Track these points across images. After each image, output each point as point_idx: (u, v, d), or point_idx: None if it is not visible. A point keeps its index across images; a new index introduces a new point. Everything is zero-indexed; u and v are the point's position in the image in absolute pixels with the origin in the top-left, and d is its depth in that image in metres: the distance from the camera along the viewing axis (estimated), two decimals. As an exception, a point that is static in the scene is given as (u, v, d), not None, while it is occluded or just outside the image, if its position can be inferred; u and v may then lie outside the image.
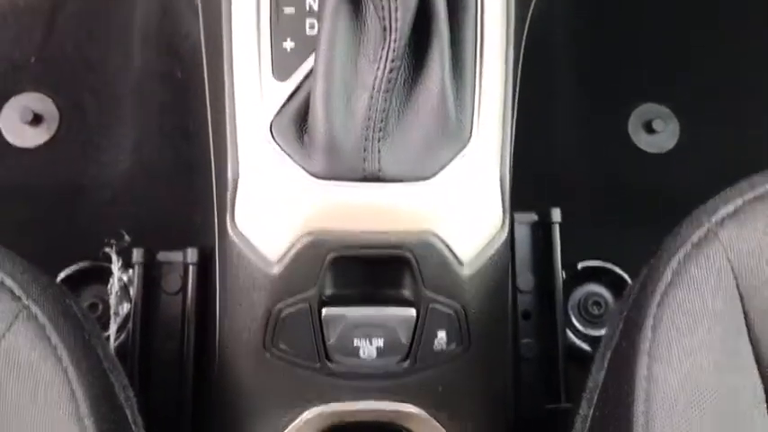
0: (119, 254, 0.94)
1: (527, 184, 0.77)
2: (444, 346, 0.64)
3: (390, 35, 0.57)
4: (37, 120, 1.03)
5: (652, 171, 1.10)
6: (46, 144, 1.04)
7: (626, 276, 1.01)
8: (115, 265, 0.93)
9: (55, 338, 0.55)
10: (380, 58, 0.58)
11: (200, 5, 0.80)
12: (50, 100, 1.04)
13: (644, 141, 1.11)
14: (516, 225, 0.92)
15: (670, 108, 1.11)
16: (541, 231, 0.95)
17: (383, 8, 0.56)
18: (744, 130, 1.09)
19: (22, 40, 1.04)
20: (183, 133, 0.99)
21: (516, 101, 0.71)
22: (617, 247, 1.02)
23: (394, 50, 0.58)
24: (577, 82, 1.09)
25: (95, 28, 1.04)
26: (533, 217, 0.95)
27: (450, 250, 0.62)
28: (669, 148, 1.11)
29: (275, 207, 0.62)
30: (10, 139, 1.04)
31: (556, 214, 0.94)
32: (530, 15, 0.76)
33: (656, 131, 1.10)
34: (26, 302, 0.55)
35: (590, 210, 1.04)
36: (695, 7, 1.10)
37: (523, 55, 0.77)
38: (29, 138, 1.04)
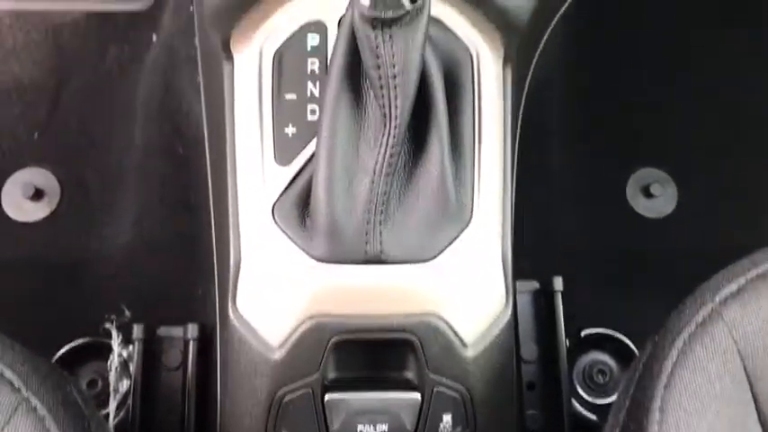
0: (119, 329, 0.94)
1: (527, 252, 0.77)
2: (450, 430, 0.64)
3: (390, 122, 0.58)
4: (38, 194, 1.04)
5: (652, 236, 1.10)
6: (47, 218, 1.04)
7: (630, 343, 1.00)
8: (115, 342, 0.93)
9: (54, 430, 0.54)
10: (381, 143, 0.59)
11: (202, 85, 0.81)
12: (52, 175, 1.05)
13: (642, 206, 1.12)
14: (518, 294, 0.92)
15: (667, 172, 1.12)
16: (544, 300, 0.95)
17: (383, 96, 0.57)
18: (742, 194, 1.10)
19: (26, 116, 1.06)
20: (184, 207, 1.00)
21: (515, 175, 0.72)
22: (620, 314, 1.02)
23: (394, 136, 0.58)
24: (575, 149, 1.10)
25: (99, 104, 1.06)
26: (535, 285, 0.95)
27: (454, 332, 0.62)
28: (668, 212, 1.11)
29: (277, 291, 0.62)
30: (11, 213, 1.04)
31: (558, 283, 0.94)
32: (525, 94, 0.77)
33: (655, 196, 1.11)
34: (26, 394, 0.55)
35: (591, 276, 1.04)
36: (690, 69, 1.12)
37: (520, 126, 0.78)
38: (30, 212, 1.04)
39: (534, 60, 0.80)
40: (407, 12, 0.54)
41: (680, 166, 1.11)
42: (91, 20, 1.09)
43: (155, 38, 1.07)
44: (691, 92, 1.10)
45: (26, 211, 1.04)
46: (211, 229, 0.76)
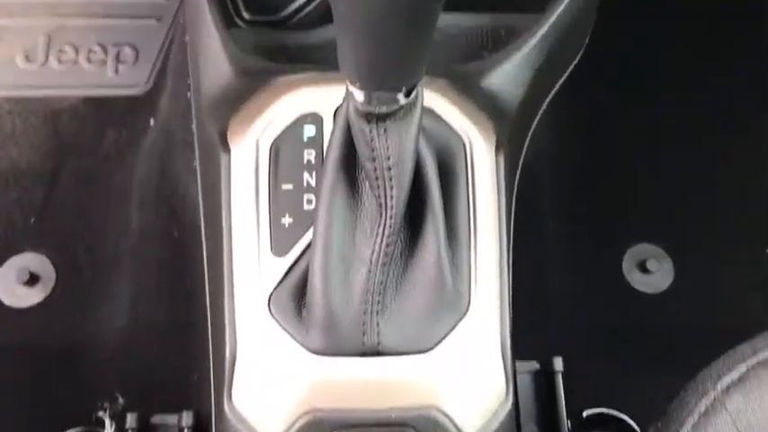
0: (112, 418, 0.92)
1: (525, 332, 0.77)
2: None
3: (386, 212, 0.59)
4: (33, 279, 1.03)
5: (650, 312, 1.10)
6: (41, 303, 1.03)
7: (632, 423, 0.99)
8: (108, 431, 0.91)
9: None
10: (377, 233, 0.59)
11: (198, 173, 0.82)
12: (48, 259, 1.04)
13: (639, 281, 1.11)
14: (518, 375, 0.91)
15: (663, 247, 1.12)
16: (544, 379, 0.94)
17: (378, 187, 0.58)
18: (738, 268, 1.10)
19: (22, 200, 1.06)
20: (180, 291, 0.99)
21: (511, 260, 0.72)
22: (621, 393, 1.00)
23: (390, 226, 0.59)
24: (569, 227, 1.10)
25: (95, 188, 1.06)
26: (535, 366, 0.94)
27: (455, 425, 0.61)
28: (664, 287, 1.11)
29: (273, 384, 0.62)
30: (5, 299, 1.03)
31: (558, 363, 0.93)
32: (517, 178, 0.78)
33: (651, 271, 1.11)
34: None
35: (589, 355, 1.03)
36: (686, 145, 1.14)
37: (514, 207, 0.79)
38: (24, 298, 1.03)
39: (525, 145, 0.81)
40: (401, 106, 0.56)
41: (675, 241, 1.12)
42: (89, 105, 1.11)
43: (152, 122, 1.08)
44: (684, 166, 1.11)
45: (20, 297, 1.03)
46: (207, 314, 0.75)
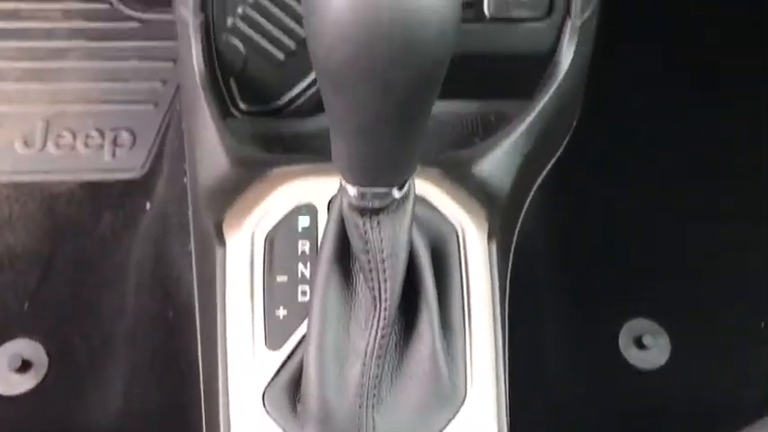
0: None
1: (524, 410, 0.76)
2: None
3: (380, 304, 0.59)
4: (25, 366, 1.02)
5: (647, 388, 1.09)
6: (33, 390, 1.02)
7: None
8: None
9: None
10: (371, 325, 0.60)
11: (194, 261, 0.82)
12: (41, 345, 1.03)
13: (635, 357, 1.11)
14: None
15: (659, 323, 1.12)
16: None
17: (372, 279, 0.58)
18: (735, 343, 1.10)
19: (17, 285, 1.06)
20: (175, 373, 0.98)
21: (507, 347, 0.72)
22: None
23: (384, 318, 0.59)
24: (565, 303, 1.11)
25: (91, 271, 1.06)
26: None
27: None
28: (661, 363, 1.11)
29: (269, 481, 0.61)
30: (-4, 387, 1.02)
31: None
32: (510, 261, 0.79)
33: (647, 347, 1.10)
34: None
35: (587, 430, 1.02)
36: (681, 219, 1.15)
37: (508, 283, 0.79)
38: (16, 385, 1.02)
39: (517, 228, 0.82)
40: (394, 200, 0.57)
41: (671, 315, 1.12)
42: (86, 189, 1.12)
43: (148, 205, 1.10)
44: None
45: (12, 384, 1.02)
46: (201, 396, 0.74)
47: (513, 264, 0.81)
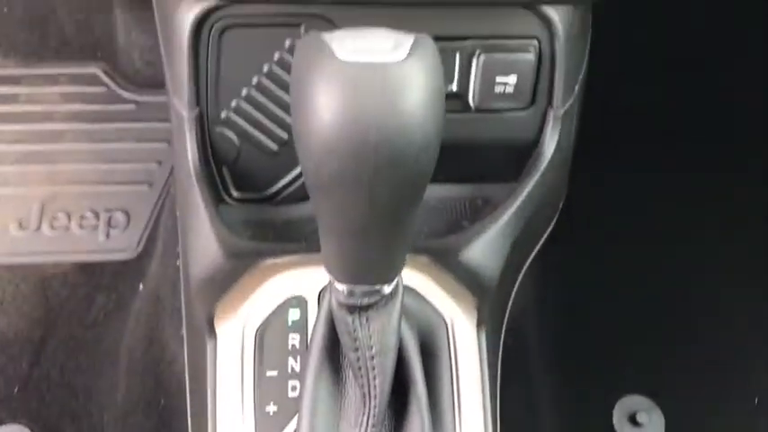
0: None
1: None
2: None
3: (370, 401, 0.59)
4: (14, 453, 1.01)
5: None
6: (20, 479, 1.01)
7: None
8: None
9: None
10: (361, 422, 0.59)
11: (185, 346, 0.82)
12: (29, 431, 1.02)
13: (630, 435, 1.10)
14: None
15: (653, 399, 1.11)
16: None
17: (362, 376, 0.59)
18: (728, 420, 1.09)
19: (7, 369, 1.06)
20: None
21: (499, 428, 0.72)
22: None
23: (374, 416, 0.59)
24: (558, 382, 1.10)
25: (82, 355, 1.06)
26: None
27: None
28: (656, 440, 1.10)
29: None
30: (-18, 476, 1.01)
31: None
32: (501, 344, 0.79)
33: (641, 424, 1.10)
34: None
35: None
36: (673, 296, 1.16)
37: (500, 362, 0.79)
38: (3, 473, 1.01)
39: (507, 313, 0.83)
40: (383, 296, 0.57)
41: (665, 392, 1.11)
42: (79, 271, 1.13)
43: (141, 287, 1.10)
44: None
45: (-1, 474, 1.01)
46: None
47: (504, 344, 0.82)
